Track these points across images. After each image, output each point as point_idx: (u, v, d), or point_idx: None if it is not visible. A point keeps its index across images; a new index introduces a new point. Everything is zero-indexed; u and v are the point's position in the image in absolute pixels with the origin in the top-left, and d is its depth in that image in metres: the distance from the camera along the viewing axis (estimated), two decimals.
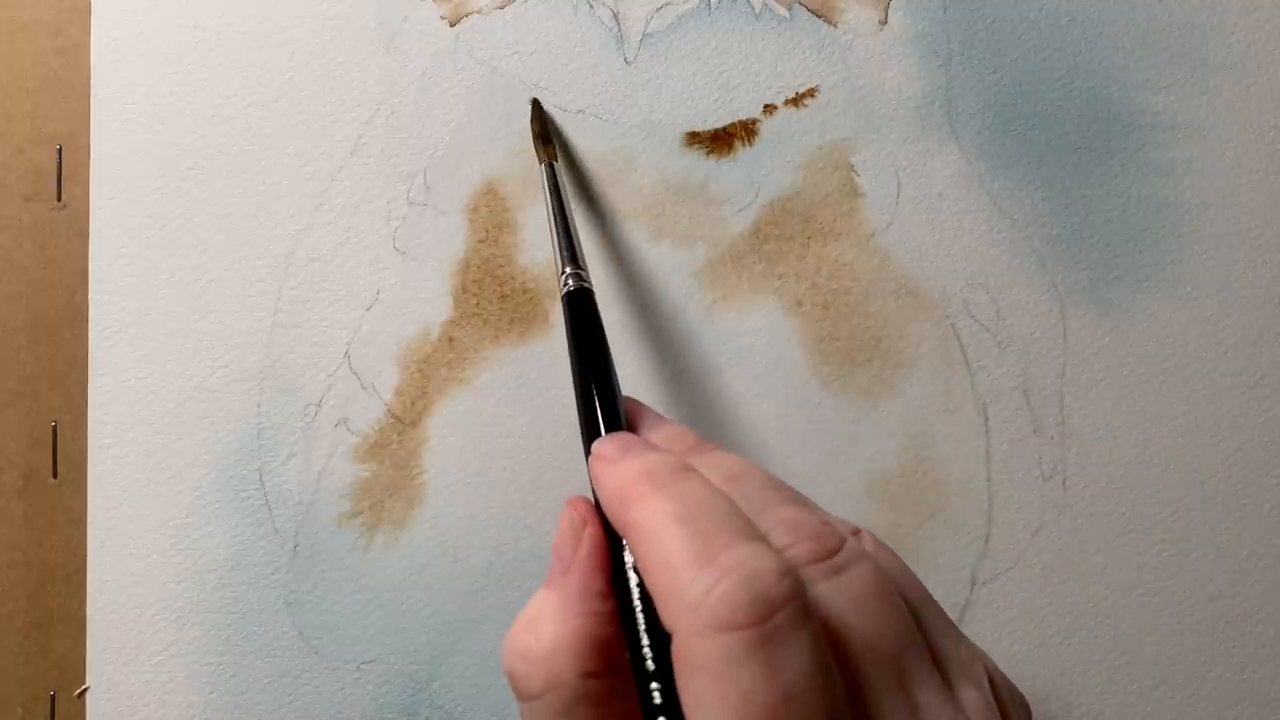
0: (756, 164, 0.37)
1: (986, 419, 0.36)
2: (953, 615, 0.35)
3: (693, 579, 0.19)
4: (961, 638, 0.23)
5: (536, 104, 0.37)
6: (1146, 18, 0.37)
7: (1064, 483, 0.36)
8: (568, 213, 0.33)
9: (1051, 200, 0.37)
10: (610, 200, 0.37)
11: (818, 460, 0.36)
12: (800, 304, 0.37)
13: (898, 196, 0.37)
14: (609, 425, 0.26)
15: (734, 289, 0.37)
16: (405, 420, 0.36)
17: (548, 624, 0.22)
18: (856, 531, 0.23)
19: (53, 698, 0.36)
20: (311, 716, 0.35)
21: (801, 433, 0.36)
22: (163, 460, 0.36)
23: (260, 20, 0.37)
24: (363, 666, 0.36)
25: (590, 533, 0.23)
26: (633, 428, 0.26)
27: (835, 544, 0.21)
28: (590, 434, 0.26)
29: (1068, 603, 0.36)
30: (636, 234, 0.37)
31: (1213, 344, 0.37)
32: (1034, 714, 0.36)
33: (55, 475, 0.36)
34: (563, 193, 0.34)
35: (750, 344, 0.36)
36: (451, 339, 0.36)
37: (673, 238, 0.37)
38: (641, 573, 0.21)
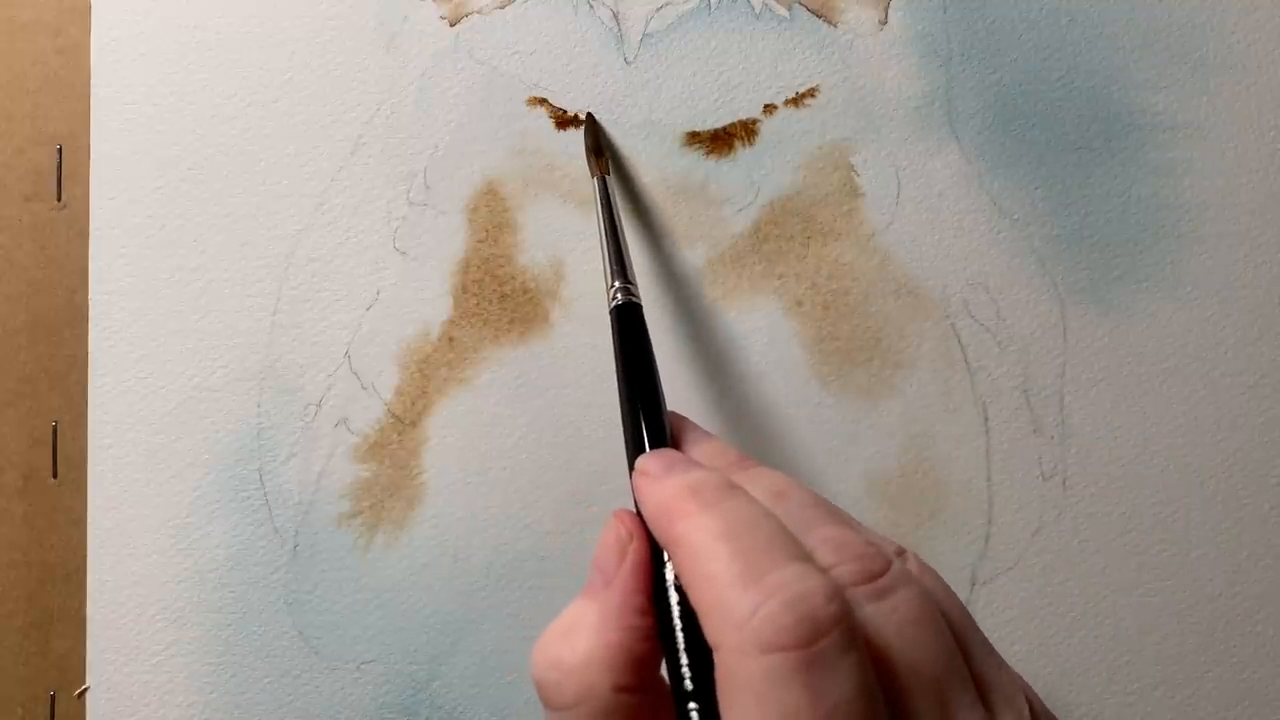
0: (756, 164, 0.37)
1: (986, 419, 0.36)
2: None
3: (739, 597, 0.19)
4: (1003, 664, 0.22)
5: (591, 118, 0.37)
6: (1146, 18, 0.37)
7: (1064, 483, 0.36)
8: (619, 226, 0.33)
9: (1051, 200, 0.37)
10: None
11: (818, 460, 0.36)
12: (800, 304, 0.37)
13: (898, 196, 0.37)
14: (653, 441, 0.26)
15: (734, 289, 0.37)
16: (405, 420, 0.36)
17: (584, 635, 0.22)
18: (901, 552, 0.23)
19: (53, 698, 0.36)
20: (311, 716, 0.35)
21: (801, 433, 0.36)
22: (163, 460, 0.36)
23: (260, 20, 0.37)
24: (363, 666, 0.36)
25: (635, 547, 0.23)
26: (677, 443, 0.26)
27: (881, 565, 0.21)
28: (635, 449, 0.26)
29: (1068, 603, 0.36)
30: (637, 234, 0.37)
31: (1213, 344, 0.37)
32: None
33: (55, 475, 0.36)
34: (614, 206, 0.34)
35: (750, 344, 0.36)
36: (451, 339, 0.36)
37: (673, 238, 0.37)
38: (685, 589, 0.21)
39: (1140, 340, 0.37)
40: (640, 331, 0.29)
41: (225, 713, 0.35)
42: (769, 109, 0.37)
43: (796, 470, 0.36)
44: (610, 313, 0.30)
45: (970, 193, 0.37)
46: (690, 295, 0.36)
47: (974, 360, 0.36)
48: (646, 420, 0.26)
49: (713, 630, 0.20)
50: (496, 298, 0.36)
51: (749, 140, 0.37)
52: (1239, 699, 0.36)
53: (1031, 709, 0.22)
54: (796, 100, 0.37)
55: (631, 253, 0.37)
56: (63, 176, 0.37)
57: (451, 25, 0.37)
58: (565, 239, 0.37)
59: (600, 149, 0.36)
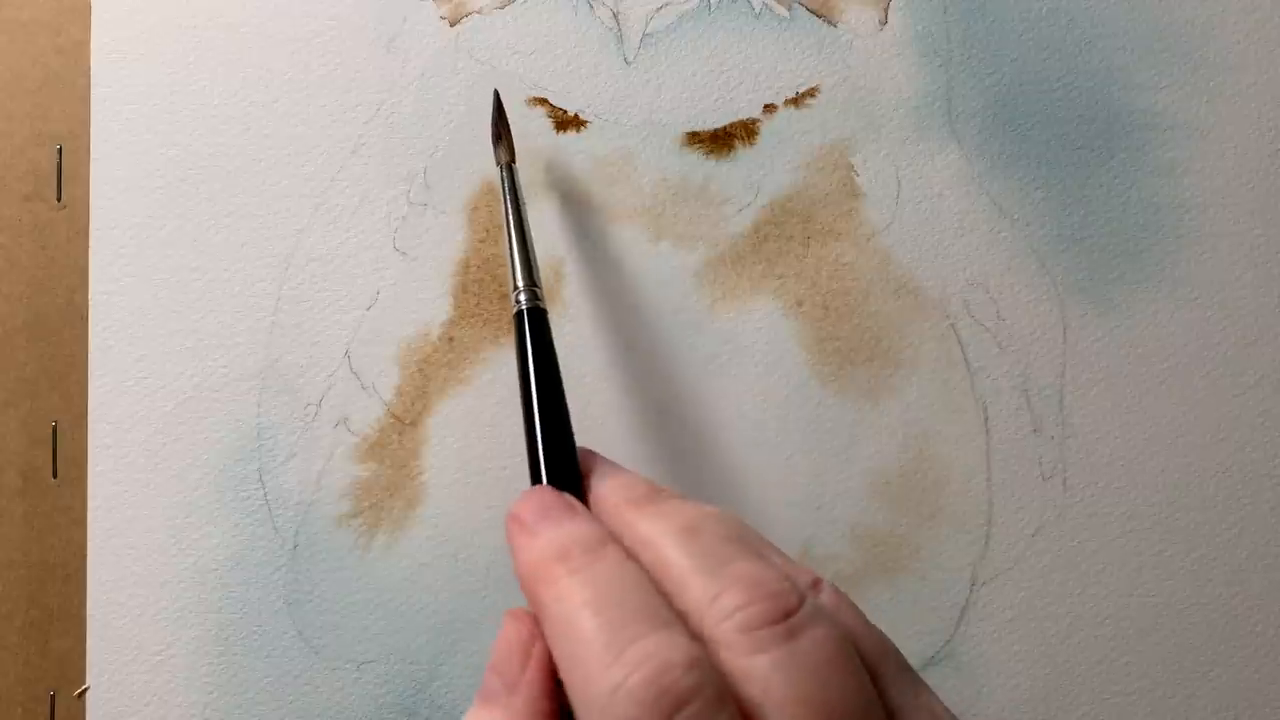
0: (756, 164, 0.37)
1: (986, 419, 0.36)
2: (952, 615, 0.35)
3: (601, 674, 0.19)
4: (917, 687, 0.22)
5: (496, 99, 0.35)
6: (1146, 18, 0.37)
7: (1064, 483, 0.36)
8: (525, 222, 0.32)
9: (1051, 200, 0.37)
10: (610, 200, 0.37)
11: (818, 460, 0.36)
12: (800, 304, 0.37)
13: (898, 196, 0.37)
14: (553, 472, 0.25)
15: (734, 289, 0.37)
16: (405, 420, 0.36)
17: None
18: (816, 583, 0.23)
19: (53, 698, 0.36)
20: (311, 716, 0.35)
21: (801, 433, 0.36)
22: (163, 460, 0.36)
23: (260, 20, 0.37)
24: (363, 666, 0.36)
25: (539, 649, 0.22)
26: (584, 475, 0.26)
27: (793, 604, 0.21)
28: (533, 481, 0.26)
29: (1068, 603, 0.36)
30: (636, 234, 0.37)
31: (1213, 344, 0.37)
32: (1034, 714, 0.36)
33: (55, 475, 0.36)
34: (520, 199, 0.32)
35: (750, 344, 0.36)
36: (451, 339, 0.36)
37: (673, 238, 0.37)
38: (556, 665, 0.21)
39: (1140, 340, 0.37)
40: (545, 339, 0.29)
41: (225, 713, 0.35)
42: (769, 109, 0.37)
43: (796, 470, 0.36)
44: (513, 318, 0.29)
45: (970, 193, 0.37)
46: (690, 295, 0.36)
47: (974, 360, 0.36)
48: (545, 447, 0.26)
49: (579, 708, 0.20)
50: (496, 298, 0.36)
51: (749, 140, 0.37)
52: (1239, 699, 0.36)
53: None
54: (796, 100, 0.37)
55: (631, 253, 0.37)
56: (63, 176, 0.37)
57: (451, 25, 0.37)
58: (565, 239, 0.36)
59: (502, 134, 0.34)
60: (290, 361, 0.36)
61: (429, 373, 0.36)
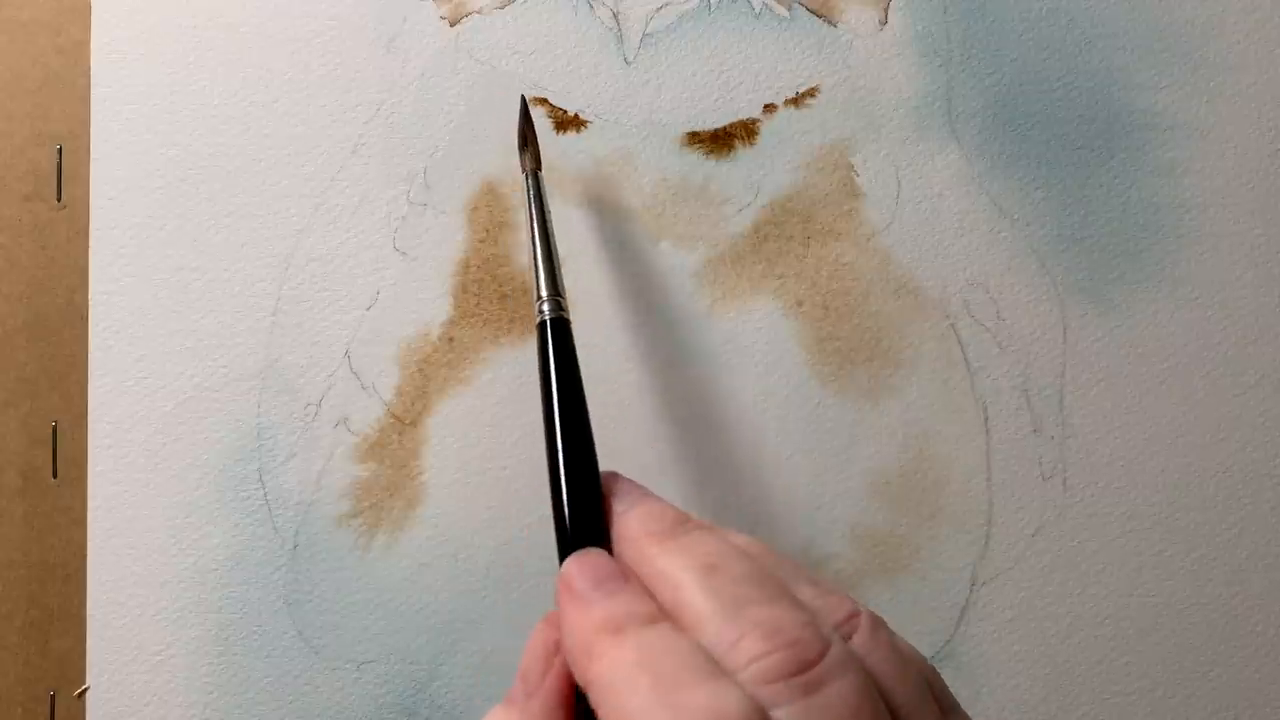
0: (756, 164, 0.37)
1: (986, 419, 0.36)
2: (952, 615, 0.35)
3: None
4: None
5: (524, 104, 0.35)
6: (1146, 18, 0.37)
7: (1064, 483, 0.36)
8: (550, 230, 0.31)
9: (1051, 200, 0.37)
10: (610, 200, 0.37)
11: (818, 460, 0.36)
12: (800, 304, 0.37)
13: (898, 196, 0.37)
14: (580, 521, 0.25)
15: (734, 289, 0.37)
16: (405, 420, 0.36)
17: None
18: (851, 617, 0.22)
19: (53, 698, 0.36)
20: (311, 716, 0.35)
21: (801, 433, 0.36)
22: (163, 460, 0.36)
23: (260, 20, 0.37)
24: (363, 666, 0.36)
25: (561, 662, 0.22)
26: (606, 504, 0.25)
27: (815, 653, 0.20)
28: (561, 534, 0.25)
29: (1068, 603, 0.36)
30: (636, 234, 0.37)
31: (1213, 344, 0.37)
32: (1034, 714, 0.36)
33: (55, 475, 0.36)
34: (546, 207, 0.32)
35: (750, 344, 0.36)
36: (451, 339, 0.36)
37: (673, 238, 0.37)
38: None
39: (1140, 340, 0.37)
40: (569, 350, 0.28)
41: (225, 713, 0.35)
42: (769, 109, 0.37)
43: (796, 470, 0.36)
44: (537, 328, 0.29)
45: (970, 193, 0.37)
46: (690, 295, 0.36)
47: (974, 360, 0.36)
48: (571, 489, 0.25)
49: None
50: (496, 298, 0.36)
51: (749, 140, 0.37)
52: (1239, 699, 0.36)
53: None
54: (796, 100, 0.37)
55: (631, 252, 0.37)
56: (63, 176, 0.37)
57: (451, 25, 0.37)
58: (565, 239, 0.36)
59: (530, 140, 0.34)
60: (290, 361, 0.36)
61: (429, 373, 0.36)
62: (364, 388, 0.36)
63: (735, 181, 0.37)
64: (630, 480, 0.26)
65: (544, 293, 0.29)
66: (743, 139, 0.37)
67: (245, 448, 0.36)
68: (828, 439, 0.36)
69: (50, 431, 0.36)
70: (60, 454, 0.36)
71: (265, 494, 0.36)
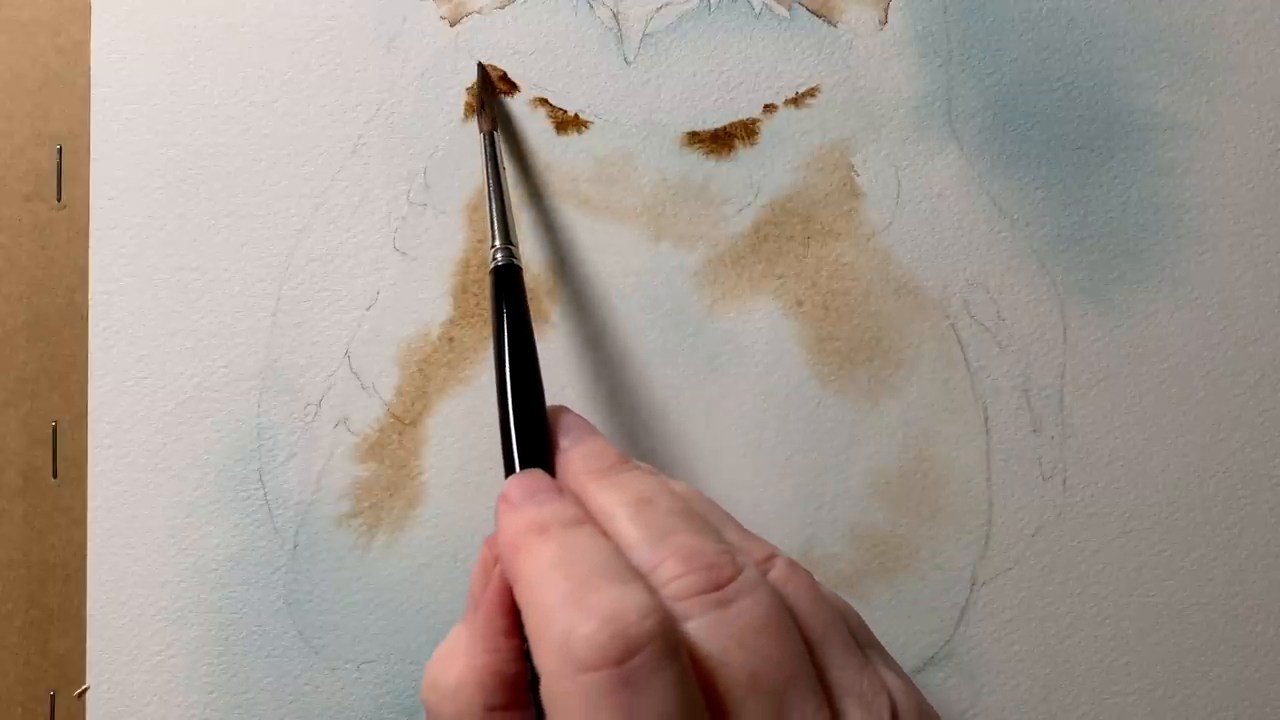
0: (756, 164, 0.37)
1: (986, 419, 0.36)
2: (952, 615, 0.35)
3: (559, 621, 0.20)
4: (865, 667, 0.22)
5: (481, 70, 0.36)
6: (1146, 18, 0.37)
7: (1064, 483, 0.36)
8: (504, 186, 0.33)
9: (1051, 200, 0.37)
10: (610, 200, 0.37)
11: (818, 460, 0.36)
12: (800, 304, 0.37)
13: (898, 196, 0.37)
14: (524, 451, 0.26)
15: (734, 289, 0.37)
16: (405, 420, 0.36)
17: (458, 659, 0.23)
18: (769, 558, 0.24)
19: (53, 698, 0.36)
20: (311, 716, 0.35)
21: (801, 433, 0.36)
22: (163, 460, 0.36)
23: (260, 20, 0.37)
24: (363, 666, 0.36)
25: (497, 572, 0.24)
26: (554, 439, 0.27)
27: (727, 575, 0.21)
28: (507, 460, 0.26)
29: (1068, 603, 0.36)
30: (636, 234, 0.37)
31: (1213, 344, 0.37)
32: (1034, 714, 0.36)
33: (55, 475, 0.36)
34: (500, 164, 0.34)
35: (750, 344, 0.36)
36: (451, 339, 0.36)
37: (673, 238, 0.37)
38: (523, 619, 0.22)
39: (1140, 340, 0.37)
40: (518, 294, 0.30)
41: (225, 713, 0.35)
42: (769, 109, 0.37)
43: (796, 470, 0.36)
44: (490, 274, 0.30)
45: (970, 193, 0.37)
46: (690, 295, 0.36)
47: (974, 360, 0.36)
48: (518, 420, 0.27)
49: (539, 655, 0.20)
50: None
51: (749, 140, 0.37)
52: (1239, 699, 0.36)
53: (895, 709, 0.22)
54: (796, 100, 0.37)
55: (631, 252, 0.37)
56: (63, 176, 0.37)
57: (451, 25, 0.37)
58: (565, 239, 0.37)
59: (486, 103, 0.36)
60: (290, 361, 0.36)
61: (429, 373, 0.36)
62: (364, 388, 0.36)
63: (735, 181, 0.37)
64: (578, 416, 0.27)
65: (497, 242, 0.31)
66: (743, 139, 0.37)
67: (245, 448, 0.36)
68: (828, 439, 0.36)
69: (50, 431, 0.36)
70: (60, 454, 0.36)
71: (265, 494, 0.36)
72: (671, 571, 0.21)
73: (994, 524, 0.36)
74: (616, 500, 0.24)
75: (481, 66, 0.36)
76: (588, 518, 0.23)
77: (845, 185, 0.37)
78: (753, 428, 0.36)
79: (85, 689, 0.36)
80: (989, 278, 0.37)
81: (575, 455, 0.26)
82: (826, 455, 0.36)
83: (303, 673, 0.36)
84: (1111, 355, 0.36)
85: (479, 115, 0.36)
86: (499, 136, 0.35)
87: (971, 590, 0.36)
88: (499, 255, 0.31)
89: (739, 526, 0.25)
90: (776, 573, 0.23)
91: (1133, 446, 0.36)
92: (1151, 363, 0.36)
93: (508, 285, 0.30)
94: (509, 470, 0.26)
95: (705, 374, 0.36)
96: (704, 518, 0.24)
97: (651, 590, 0.21)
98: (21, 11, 0.37)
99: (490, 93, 0.36)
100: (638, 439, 0.36)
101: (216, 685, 0.36)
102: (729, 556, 0.22)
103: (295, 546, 0.36)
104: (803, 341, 0.36)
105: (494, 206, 0.33)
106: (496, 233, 0.32)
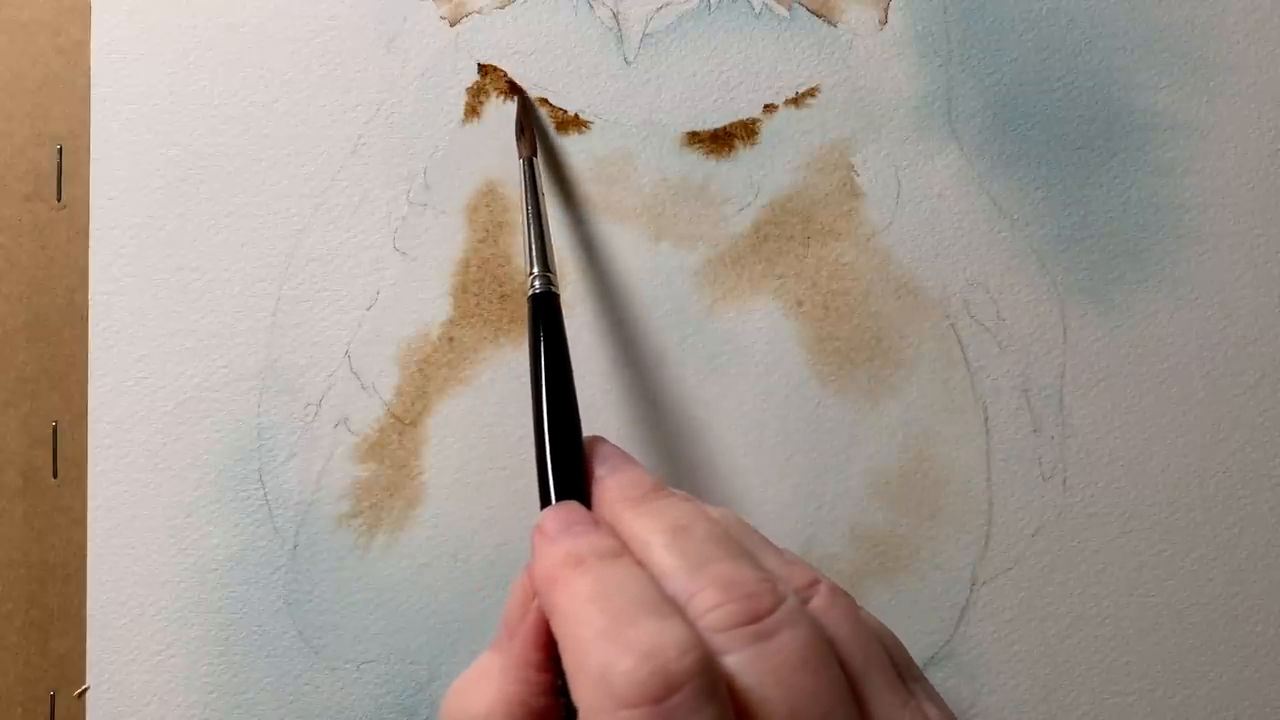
0: (756, 164, 0.37)
1: (986, 419, 0.36)
2: (952, 615, 0.35)
3: (597, 656, 0.20)
4: (908, 702, 0.22)
5: (522, 96, 0.36)
6: (1146, 18, 0.37)
7: (1064, 483, 0.36)
8: (543, 212, 0.33)
9: (1051, 200, 0.37)
10: (610, 200, 0.37)
11: (818, 460, 0.36)
12: (800, 304, 0.37)
13: (898, 196, 0.37)
14: (560, 482, 0.26)
15: (734, 289, 0.37)
16: (405, 420, 0.36)
17: (488, 687, 0.23)
18: (812, 584, 0.23)
19: (53, 698, 0.36)
20: (311, 716, 0.35)
21: (801, 433, 0.36)
22: (163, 460, 0.36)
23: (260, 20, 0.37)
24: (363, 666, 0.36)
25: (536, 605, 0.23)
26: (589, 468, 0.26)
27: (767, 606, 0.21)
28: (543, 491, 0.26)
29: (1068, 603, 0.36)
30: (636, 234, 0.37)
31: (1213, 344, 0.37)
32: (1034, 714, 0.36)
33: (55, 475, 0.36)
34: (539, 190, 0.34)
35: (750, 344, 0.36)
36: (451, 339, 0.36)
37: (673, 238, 0.37)
38: (560, 652, 0.21)
39: (1140, 340, 0.37)
40: (557, 323, 0.30)
41: (225, 713, 0.35)
42: (769, 109, 0.37)
43: (796, 470, 0.36)
44: (528, 300, 0.30)
45: (970, 193, 0.37)
46: (690, 295, 0.36)
47: (974, 360, 0.36)
48: (555, 451, 0.26)
49: (576, 690, 0.20)
50: (496, 298, 0.36)
51: (749, 140, 0.37)
52: (1239, 699, 0.36)
53: None
54: (797, 100, 0.37)
55: (631, 253, 0.37)
56: (63, 176, 0.37)
57: (451, 25, 0.37)
58: (565, 239, 0.36)
59: (526, 128, 0.35)
60: (290, 361, 0.36)
61: (429, 373, 0.36)
62: (364, 388, 0.36)
63: (735, 181, 0.37)
64: (613, 446, 0.27)
65: (535, 268, 0.31)
66: (743, 139, 0.37)
67: (245, 448, 0.36)
68: (828, 439, 0.36)
69: (50, 431, 0.36)
70: (60, 454, 0.36)
71: (265, 494, 0.36)
72: (710, 601, 0.21)
73: (994, 524, 0.36)
74: (652, 528, 0.23)
75: (521, 91, 0.36)
76: (624, 549, 0.23)
77: (845, 185, 0.37)
78: (753, 428, 0.36)
79: (85, 689, 0.36)
80: (989, 278, 0.37)
81: (611, 484, 0.26)
82: (826, 455, 0.36)
83: (303, 673, 0.36)
84: (1111, 355, 0.36)
85: (518, 140, 0.35)
86: (539, 162, 0.35)
87: (971, 590, 0.36)
88: (537, 282, 0.31)
89: (778, 551, 0.25)
90: (818, 601, 0.23)
91: (1133, 446, 0.36)
92: (1151, 363, 0.36)
93: (546, 313, 0.30)
94: (545, 501, 0.26)
95: (705, 374, 0.36)
96: (742, 544, 0.23)
97: (690, 624, 0.20)
98: (21, 11, 0.37)
99: (530, 117, 0.36)
100: (638, 439, 0.36)
101: (216, 685, 0.36)
102: (769, 585, 0.22)
103: (295, 546, 0.36)
104: (803, 341, 0.36)
105: (532, 232, 0.32)
106: (535, 259, 0.32)
